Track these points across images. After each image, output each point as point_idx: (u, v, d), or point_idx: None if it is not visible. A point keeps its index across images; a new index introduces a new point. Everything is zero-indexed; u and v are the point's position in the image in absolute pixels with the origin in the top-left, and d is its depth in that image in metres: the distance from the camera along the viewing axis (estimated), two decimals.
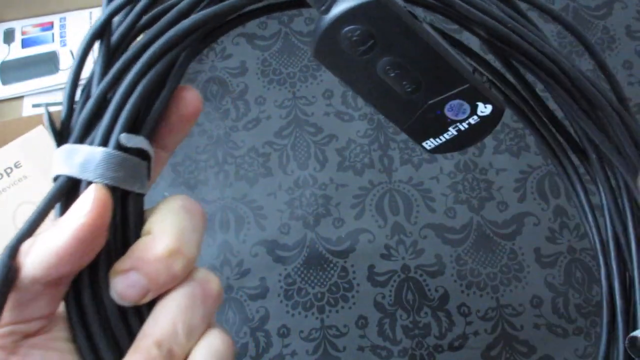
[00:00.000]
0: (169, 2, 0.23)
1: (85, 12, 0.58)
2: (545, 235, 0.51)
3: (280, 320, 0.47)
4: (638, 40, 0.60)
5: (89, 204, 0.19)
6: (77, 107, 0.22)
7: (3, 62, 0.55)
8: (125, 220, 0.22)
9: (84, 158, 0.21)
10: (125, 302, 0.20)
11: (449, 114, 0.26)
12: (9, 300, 0.19)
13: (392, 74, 0.25)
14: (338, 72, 0.25)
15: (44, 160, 0.46)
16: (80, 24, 0.57)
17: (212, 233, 0.51)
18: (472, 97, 0.25)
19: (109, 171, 0.21)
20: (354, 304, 0.48)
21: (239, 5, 0.23)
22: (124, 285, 0.20)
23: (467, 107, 0.26)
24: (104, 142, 0.21)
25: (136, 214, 0.22)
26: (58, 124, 0.22)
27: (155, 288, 0.20)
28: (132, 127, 0.22)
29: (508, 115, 0.56)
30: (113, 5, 0.22)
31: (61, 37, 0.57)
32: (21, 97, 0.54)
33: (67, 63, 0.55)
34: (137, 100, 0.21)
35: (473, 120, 0.26)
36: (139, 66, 0.21)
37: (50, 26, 0.57)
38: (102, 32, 0.22)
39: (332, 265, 0.50)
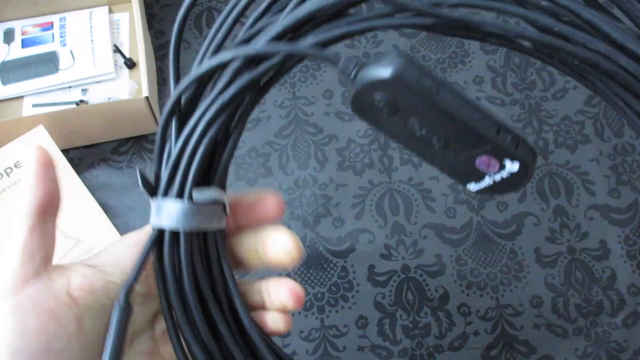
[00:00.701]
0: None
1: (85, 12, 0.58)
2: (545, 235, 0.51)
3: None
4: None
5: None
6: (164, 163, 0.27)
7: (3, 62, 0.55)
8: (207, 255, 0.27)
9: (167, 211, 0.26)
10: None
11: (480, 167, 0.27)
12: None
13: (421, 133, 0.27)
14: (374, 126, 0.27)
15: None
16: (80, 24, 0.57)
17: None
18: (499, 155, 0.26)
19: (187, 221, 0.25)
20: (354, 304, 0.48)
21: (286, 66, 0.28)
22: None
23: (495, 163, 0.27)
24: (180, 196, 0.26)
25: (215, 247, 0.27)
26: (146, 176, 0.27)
27: None
28: (204, 178, 0.26)
29: (508, 115, 0.56)
30: (182, 86, 0.27)
31: (61, 37, 0.57)
32: (21, 97, 0.54)
33: (67, 63, 0.55)
34: (201, 157, 0.26)
35: (504, 174, 0.27)
36: (200, 128, 0.26)
37: (50, 26, 0.57)
38: (173, 109, 0.27)
39: (332, 265, 0.50)
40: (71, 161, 0.53)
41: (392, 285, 0.49)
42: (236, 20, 0.27)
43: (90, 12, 0.58)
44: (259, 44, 0.26)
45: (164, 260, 0.26)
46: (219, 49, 0.27)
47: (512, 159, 0.27)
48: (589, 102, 0.57)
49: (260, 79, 0.27)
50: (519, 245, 0.51)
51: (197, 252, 0.27)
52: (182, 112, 0.27)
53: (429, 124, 0.26)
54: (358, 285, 0.49)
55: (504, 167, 0.27)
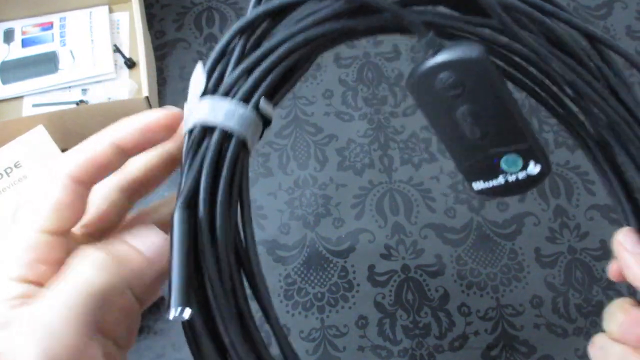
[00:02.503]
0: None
1: (85, 12, 0.58)
2: (545, 235, 0.51)
3: (280, 320, 0.47)
4: (638, 40, 0.60)
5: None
6: (218, 70, 0.26)
7: (3, 62, 0.55)
8: (235, 164, 0.25)
9: (226, 110, 0.24)
10: None
11: (503, 164, 0.30)
12: None
13: (468, 120, 0.28)
14: (423, 105, 0.29)
15: (44, 160, 0.46)
16: (80, 24, 0.57)
17: None
18: (528, 156, 0.29)
19: (244, 125, 0.24)
20: (354, 304, 0.48)
21: (355, 28, 0.27)
22: None
23: (520, 162, 0.29)
24: (246, 101, 0.25)
25: (243, 163, 0.25)
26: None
27: None
28: (270, 94, 0.26)
29: None
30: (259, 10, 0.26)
31: (61, 37, 0.57)
32: (21, 97, 0.54)
33: (67, 63, 0.55)
34: (280, 72, 0.26)
35: (522, 175, 0.30)
36: (285, 48, 0.26)
37: (50, 26, 0.57)
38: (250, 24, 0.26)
39: (332, 265, 0.50)
40: None
41: (392, 285, 0.49)
42: None
43: (90, 12, 0.58)
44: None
45: (207, 155, 0.24)
46: None
47: (538, 161, 0.29)
48: None
49: (352, 31, 0.28)
50: (519, 245, 0.51)
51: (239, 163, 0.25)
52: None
53: (481, 113, 0.28)
54: (358, 285, 0.49)
55: (526, 168, 0.29)
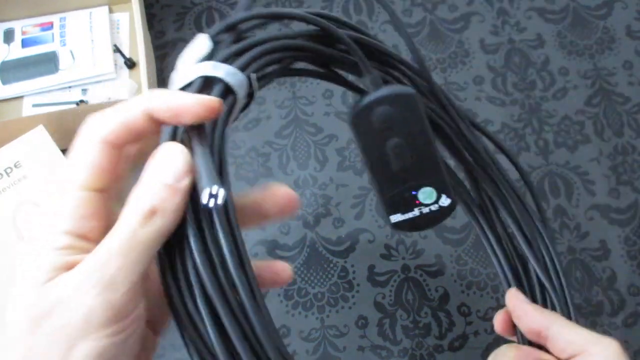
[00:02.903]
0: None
1: (85, 12, 0.58)
2: None
3: (280, 320, 0.47)
4: (638, 40, 0.60)
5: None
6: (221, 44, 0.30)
7: (3, 62, 0.55)
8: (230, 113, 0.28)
9: (227, 70, 0.28)
10: None
11: (420, 196, 0.35)
12: None
13: (395, 153, 0.33)
14: (360, 138, 0.33)
15: (44, 160, 0.46)
16: (80, 24, 0.57)
17: None
18: (441, 189, 0.34)
19: (241, 87, 0.28)
20: (354, 304, 0.48)
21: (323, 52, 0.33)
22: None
23: (435, 195, 0.35)
24: (243, 69, 0.29)
25: (229, 109, 0.28)
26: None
27: None
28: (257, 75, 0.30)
29: (508, 115, 0.56)
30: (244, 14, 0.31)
31: (61, 37, 0.57)
32: (21, 97, 0.54)
33: (67, 63, 0.55)
34: (267, 60, 0.30)
35: (434, 207, 0.35)
36: (281, 42, 0.31)
37: (50, 26, 0.57)
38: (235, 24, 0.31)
39: (332, 265, 0.50)
40: None
41: (392, 285, 0.49)
42: None
43: (90, 12, 0.58)
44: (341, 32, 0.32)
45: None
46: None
47: (449, 195, 0.35)
48: (589, 102, 0.57)
49: (325, 59, 0.34)
50: None
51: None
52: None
53: (407, 146, 0.33)
54: (358, 285, 0.49)
55: (439, 201, 0.35)
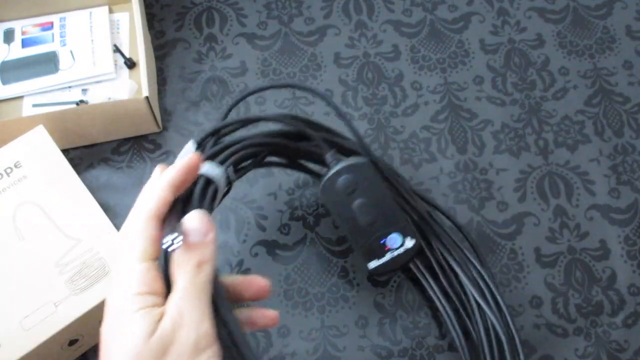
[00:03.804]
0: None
1: (85, 12, 0.58)
2: (545, 235, 0.51)
3: (280, 320, 0.47)
4: (638, 40, 0.60)
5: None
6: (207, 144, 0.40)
7: (3, 62, 0.55)
8: (206, 193, 0.36)
9: (208, 166, 0.37)
10: None
11: (388, 242, 0.43)
12: None
13: (361, 211, 0.42)
14: (330, 204, 0.43)
15: (44, 160, 0.46)
16: (80, 24, 0.57)
17: None
18: (405, 232, 0.43)
19: (219, 178, 0.37)
20: (354, 304, 0.48)
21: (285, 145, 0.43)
22: None
23: (400, 239, 0.43)
24: (222, 163, 0.38)
25: (213, 195, 0.36)
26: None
27: None
28: (234, 168, 0.40)
29: (507, 115, 0.56)
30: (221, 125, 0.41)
31: (61, 37, 0.57)
32: (21, 97, 0.54)
33: (67, 63, 0.55)
34: (242, 156, 0.40)
35: (402, 250, 0.43)
36: (249, 142, 0.41)
37: (50, 26, 0.57)
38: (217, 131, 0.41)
39: (332, 265, 0.50)
40: (71, 161, 0.53)
41: (393, 286, 0.49)
42: None
43: (90, 12, 0.58)
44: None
45: (195, 189, 0.35)
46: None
47: (412, 237, 0.43)
48: (589, 102, 0.57)
49: (292, 153, 0.45)
50: (519, 245, 0.51)
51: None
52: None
53: (370, 204, 0.42)
54: (358, 285, 0.49)
55: (404, 243, 0.43)
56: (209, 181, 0.36)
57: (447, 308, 0.45)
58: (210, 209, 0.35)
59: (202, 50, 0.58)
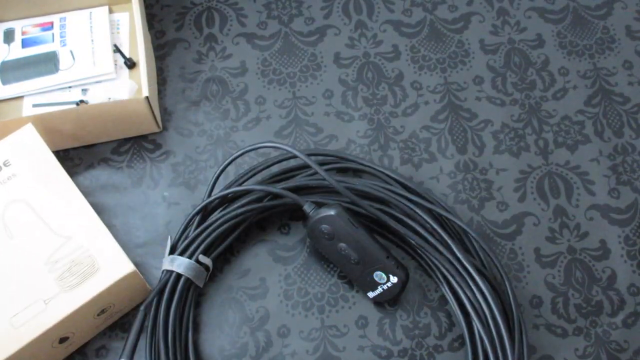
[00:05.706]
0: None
1: (85, 12, 0.58)
2: (545, 235, 0.51)
3: (280, 320, 0.47)
4: (638, 40, 0.60)
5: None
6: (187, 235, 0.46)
7: (3, 62, 0.55)
8: (185, 300, 0.45)
9: (179, 262, 0.44)
10: None
11: (376, 278, 0.46)
12: None
13: (345, 252, 0.45)
14: (319, 247, 0.47)
15: (33, 158, 0.46)
16: (80, 24, 0.57)
17: None
18: (387, 271, 0.45)
19: (189, 271, 0.44)
20: (354, 304, 0.48)
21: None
22: None
23: (385, 276, 0.45)
24: (190, 257, 0.45)
25: (192, 297, 0.45)
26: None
27: None
28: (206, 251, 0.46)
29: (507, 115, 0.56)
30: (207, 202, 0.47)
31: (61, 37, 0.57)
32: (21, 97, 0.54)
33: (67, 63, 0.55)
34: (213, 238, 0.46)
35: (389, 285, 0.46)
36: (220, 221, 0.46)
37: (50, 26, 0.57)
38: (202, 210, 0.47)
39: (332, 265, 0.50)
40: (71, 161, 0.53)
41: None
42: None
43: (90, 12, 0.58)
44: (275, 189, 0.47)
45: (165, 290, 0.44)
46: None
47: (395, 275, 0.45)
48: (589, 102, 0.57)
49: (261, 214, 0.49)
50: (519, 245, 0.51)
51: (184, 294, 0.45)
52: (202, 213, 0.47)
53: (350, 247, 0.45)
54: None
55: (389, 280, 0.45)
56: (179, 275, 0.44)
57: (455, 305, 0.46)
58: (190, 307, 0.45)
59: (202, 50, 0.58)
